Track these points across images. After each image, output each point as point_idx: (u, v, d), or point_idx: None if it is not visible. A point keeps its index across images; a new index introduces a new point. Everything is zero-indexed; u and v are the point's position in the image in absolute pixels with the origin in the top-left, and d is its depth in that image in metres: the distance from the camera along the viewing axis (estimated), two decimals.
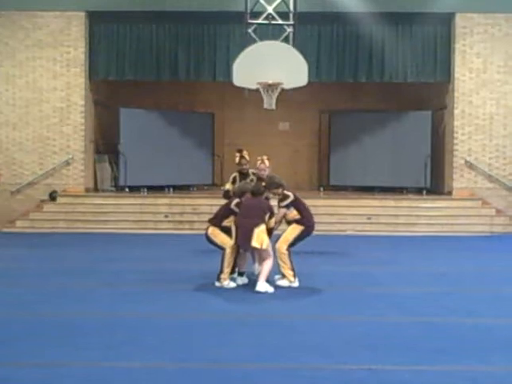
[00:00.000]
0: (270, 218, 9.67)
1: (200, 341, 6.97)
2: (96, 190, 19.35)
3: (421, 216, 17.23)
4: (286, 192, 9.82)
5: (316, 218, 16.82)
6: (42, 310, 8.30)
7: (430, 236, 16.16)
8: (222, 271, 9.65)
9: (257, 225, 9.35)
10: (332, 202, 17.96)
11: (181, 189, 19.58)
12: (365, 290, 9.64)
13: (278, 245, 9.74)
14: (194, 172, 19.93)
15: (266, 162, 11.06)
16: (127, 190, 18.89)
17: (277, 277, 9.87)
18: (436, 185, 19.19)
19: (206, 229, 9.88)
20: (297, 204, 9.85)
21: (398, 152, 19.55)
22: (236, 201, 9.74)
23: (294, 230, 9.80)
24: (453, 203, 17.90)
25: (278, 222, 9.99)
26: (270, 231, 9.68)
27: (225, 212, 9.81)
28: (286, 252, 9.71)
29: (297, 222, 9.82)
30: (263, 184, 10.07)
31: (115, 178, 19.72)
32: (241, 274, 9.83)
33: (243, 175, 11.37)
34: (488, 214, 17.43)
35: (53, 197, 17.86)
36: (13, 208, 17.86)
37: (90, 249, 13.85)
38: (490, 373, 6.11)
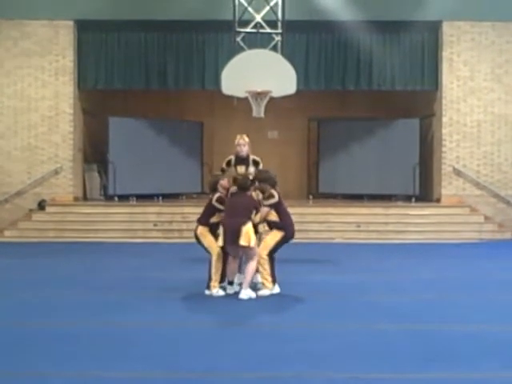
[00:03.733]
0: (256, 213, 9.65)
1: (188, 350, 6.94)
2: (85, 198, 19.30)
3: (410, 223, 17.28)
4: (272, 191, 9.73)
5: (305, 226, 16.93)
6: (30, 320, 8.25)
7: (419, 243, 16.19)
8: (210, 279, 9.62)
9: (244, 223, 9.30)
10: (321, 210, 17.97)
11: (170, 197, 19.55)
12: (353, 299, 9.63)
13: (258, 250, 9.66)
14: (183, 180, 19.90)
15: (246, 139, 10.80)
16: (116, 198, 18.85)
17: (259, 286, 9.84)
18: (425, 192, 19.24)
19: (196, 228, 9.85)
20: (278, 207, 9.74)
21: (386, 159, 19.60)
22: (216, 196, 9.69)
23: (275, 236, 9.71)
24: (441, 210, 17.95)
25: (262, 220, 9.84)
26: (254, 228, 9.62)
27: (208, 210, 9.76)
28: (267, 258, 9.63)
29: (277, 227, 9.72)
30: (251, 176, 10.05)
31: (104, 187, 19.66)
32: (230, 283, 9.78)
33: (241, 160, 10.80)
34: (476, 221, 17.50)
35: (41, 206, 17.81)
36: (1, 217, 17.79)
37: (79, 258, 13.80)
38: (481, 379, 6.12)
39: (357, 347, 7.04)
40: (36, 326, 7.92)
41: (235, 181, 9.93)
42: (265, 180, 9.88)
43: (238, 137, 10.90)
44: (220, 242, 9.52)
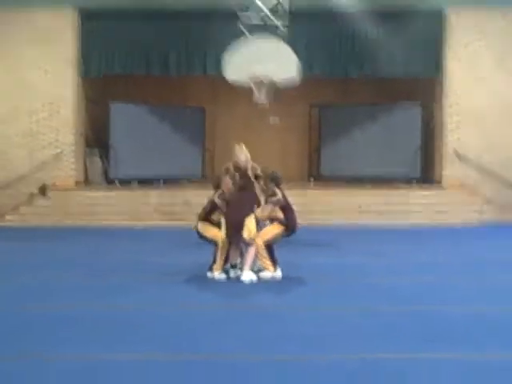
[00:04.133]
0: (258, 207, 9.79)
1: (191, 332, 6.99)
2: (86, 183, 19.31)
3: (411, 205, 17.27)
4: (275, 190, 9.81)
5: (307, 209, 16.93)
6: (32, 304, 8.28)
7: (421, 225, 16.19)
8: (214, 261, 9.69)
9: (247, 215, 9.54)
10: (322, 193, 17.96)
11: (171, 182, 19.55)
12: (354, 281, 9.67)
13: (256, 238, 9.72)
14: (184, 165, 19.89)
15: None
16: (117, 183, 18.86)
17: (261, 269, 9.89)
18: (426, 175, 19.24)
19: (196, 225, 9.90)
20: (283, 204, 9.81)
21: (388, 143, 19.57)
22: (218, 192, 9.74)
23: (274, 228, 9.80)
24: (443, 193, 17.96)
25: (266, 217, 9.93)
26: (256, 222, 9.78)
27: (210, 206, 9.80)
28: (263, 244, 9.68)
29: (280, 222, 9.80)
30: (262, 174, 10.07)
31: (106, 172, 19.67)
32: (233, 266, 9.81)
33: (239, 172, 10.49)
34: (478, 203, 17.50)
35: (43, 190, 17.81)
36: (2, 202, 17.77)
37: (81, 242, 13.83)
38: (483, 359, 6.17)
39: (359, 329, 7.09)
40: (36, 310, 7.96)
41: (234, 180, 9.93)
42: (271, 178, 9.91)
43: (237, 147, 10.60)
44: (222, 234, 9.60)
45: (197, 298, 8.70)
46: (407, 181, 19.05)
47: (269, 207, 9.76)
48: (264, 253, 9.69)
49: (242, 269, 9.69)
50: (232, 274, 9.76)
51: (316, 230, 14.81)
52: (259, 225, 9.92)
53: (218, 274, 9.63)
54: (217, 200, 9.69)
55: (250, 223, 9.53)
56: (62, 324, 7.30)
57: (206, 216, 9.80)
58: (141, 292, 8.91)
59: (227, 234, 9.57)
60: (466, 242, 13.99)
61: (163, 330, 7.07)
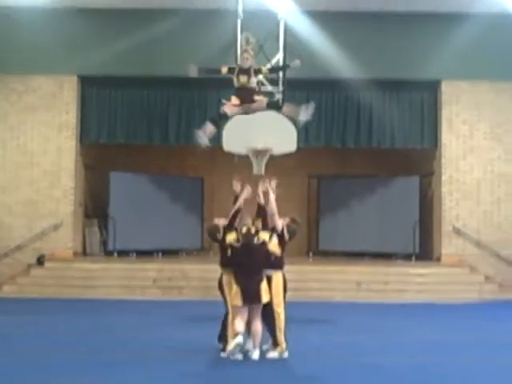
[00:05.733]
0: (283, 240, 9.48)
1: None
2: (85, 254, 19.27)
3: (410, 283, 17.18)
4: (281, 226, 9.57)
5: (304, 284, 16.86)
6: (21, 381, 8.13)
7: (419, 303, 16.07)
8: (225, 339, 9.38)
9: (261, 280, 9.13)
10: (321, 268, 17.90)
11: (170, 253, 19.51)
12: (352, 360, 9.49)
13: (274, 305, 9.32)
14: (183, 236, 19.90)
15: (251, 52, 10.53)
16: (116, 254, 18.82)
17: (265, 347, 9.56)
18: (425, 251, 19.21)
19: (220, 277, 9.66)
20: (282, 242, 9.53)
21: (386, 217, 19.64)
22: (222, 234, 9.52)
23: (278, 285, 9.43)
24: (442, 270, 17.87)
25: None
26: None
27: (222, 250, 9.58)
28: (282, 311, 9.37)
29: (276, 263, 9.44)
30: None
31: (104, 242, 19.65)
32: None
33: (243, 71, 10.62)
34: (477, 280, 17.43)
35: (40, 261, 17.76)
36: (0, 272, 17.72)
37: (77, 316, 13.66)
38: None
39: None
40: None
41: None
42: (290, 231, 9.63)
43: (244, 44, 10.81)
44: (238, 302, 9.15)
45: (194, 377, 8.55)
46: (406, 256, 19.01)
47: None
48: (282, 325, 9.35)
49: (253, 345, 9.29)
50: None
51: (314, 306, 14.71)
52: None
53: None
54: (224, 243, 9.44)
55: (266, 286, 9.13)
56: None
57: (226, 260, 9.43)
58: (138, 370, 8.76)
59: (243, 302, 9.12)
60: (466, 321, 13.83)
61: None
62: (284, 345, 9.39)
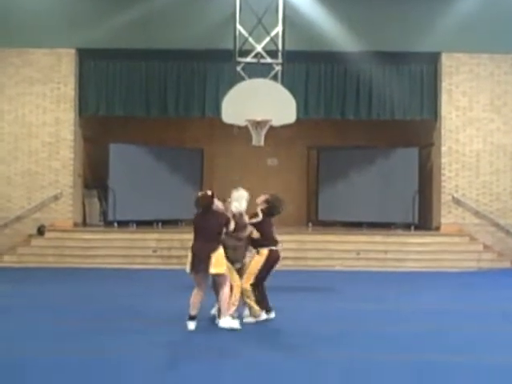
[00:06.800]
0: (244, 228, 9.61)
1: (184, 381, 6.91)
2: (84, 224, 19.33)
3: (409, 252, 17.29)
4: (259, 211, 9.88)
5: (304, 254, 16.93)
6: (21, 348, 8.16)
7: (418, 272, 16.18)
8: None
9: (213, 250, 9.12)
10: (320, 238, 17.98)
11: (169, 223, 19.57)
12: (351, 328, 9.58)
13: (242, 280, 9.67)
14: (182, 207, 19.91)
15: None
16: (116, 224, 18.87)
17: (245, 313, 9.84)
18: (424, 220, 19.27)
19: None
20: (259, 226, 9.80)
21: (386, 188, 19.66)
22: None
23: (257, 263, 9.75)
24: (441, 239, 17.97)
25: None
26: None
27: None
28: (250, 288, 9.66)
29: (258, 244, 9.78)
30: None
31: (104, 213, 19.70)
32: (192, 318, 9.33)
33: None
34: (476, 249, 17.52)
35: (41, 231, 17.82)
36: (0, 242, 17.79)
37: (77, 284, 13.76)
38: None
39: (353, 377, 7.01)
40: (25, 355, 7.82)
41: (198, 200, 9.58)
42: (272, 206, 9.94)
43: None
44: (187, 269, 9.29)
45: (190, 343, 8.61)
46: (405, 226, 19.08)
47: (248, 230, 9.73)
48: (251, 295, 9.67)
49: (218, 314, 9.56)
50: (190, 326, 9.28)
51: (314, 275, 14.80)
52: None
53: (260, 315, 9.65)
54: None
55: (219, 257, 9.15)
56: (52, 370, 7.18)
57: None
58: (136, 335, 8.83)
59: (192, 268, 9.24)
60: (465, 289, 13.93)
61: (153, 378, 6.97)
62: (257, 312, 9.69)
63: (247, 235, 9.79)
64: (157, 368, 7.26)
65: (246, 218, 9.79)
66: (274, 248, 9.88)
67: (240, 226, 9.64)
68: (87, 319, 10.04)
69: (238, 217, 9.67)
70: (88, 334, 8.98)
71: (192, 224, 9.51)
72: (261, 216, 9.84)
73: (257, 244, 9.84)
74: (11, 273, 15.61)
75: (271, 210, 10.01)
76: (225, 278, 9.31)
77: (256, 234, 9.80)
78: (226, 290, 9.27)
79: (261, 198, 10.12)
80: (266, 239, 9.82)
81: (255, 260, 9.79)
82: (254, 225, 9.80)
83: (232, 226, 9.41)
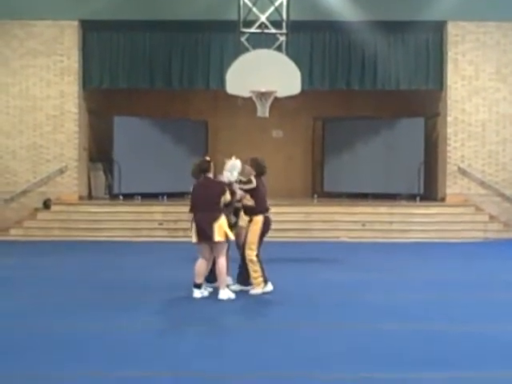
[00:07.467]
0: (232, 195, 9.57)
1: (191, 350, 6.93)
2: (90, 197, 19.35)
3: (414, 222, 17.29)
4: (251, 178, 9.82)
5: (310, 225, 16.94)
6: (31, 322, 8.18)
7: (424, 242, 16.19)
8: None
9: (215, 219, 9.19)
10: (326, 209, 17.97)
11: (175, 196, 19.57)
12: (357, 298, 9.61)
13: (246, 252, 9.65)
14: (187, 179, 19.84)
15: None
16: (121, 197, 18.89)
17: (250, 287, 9.81)
18: (429, 191, 19.25)
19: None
20: (254, 192, 9.77)
21: (391, 159, 19.61)
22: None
23: (254, 232, 9.69)
24: (446, 209, 17.96)
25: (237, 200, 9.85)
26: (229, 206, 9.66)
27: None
28: (256, 258, 9.64)
29: (252, 211, 9.74)
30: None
31: (109, 186, 19.71)
32: (198, 286, 9.52)
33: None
34: (481, 220, 17.51)
35: (47, 205, 17.85)
36: (6, 216, 17.84)
37: (83, 257, 13.82)
38: (484, 379, 6.13)
39: (360, 347, 7.03)
40: (35, 329, 7.85)
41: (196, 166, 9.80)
42: (259, 164, 9.92)
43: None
44: (194, 239, 9.38)
45: (198, 314, 8.65)
46: (410, 197, 19.06)
47: (239, 193, 9.71)
48: (257, 268, 9.63)
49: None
50: (196, 294, 9.43)
51: (320, 247, 14.81)
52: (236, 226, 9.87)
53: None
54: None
55: (222, 225, 9.22)
56: (62, 343, 7.22)
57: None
58: (138, 308, 8.86)
59: (198, 239, 9.34)
60: (471, 260, 13.93)
61: (162, 347, 7.00)
62: (262, 284, 9.65)
63: (234, 201, 9.73)
64: (159, 334, 7.30)
65: (236, 186, 9.77)
66: (267, 215, 9.87)
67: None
68: (95, 289, 10.08)
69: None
70: (95, 304, 9.01)
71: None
72: (254, 182, 9.78)
73: (251, 212, 9.77)
74: (18, 246, 15.68)
75: (260, 168, 9.93)
76: (222, 247, 9.38)
77: (250, 202, 9.74)
78: (221, 261, 9.35)
79: (247, 168, 9.98)
80: (259, 206, 9.78)
81: (251, 229, 9.70)
82: (249, 191, 9.75)
83: (228, 196, 9.42)
